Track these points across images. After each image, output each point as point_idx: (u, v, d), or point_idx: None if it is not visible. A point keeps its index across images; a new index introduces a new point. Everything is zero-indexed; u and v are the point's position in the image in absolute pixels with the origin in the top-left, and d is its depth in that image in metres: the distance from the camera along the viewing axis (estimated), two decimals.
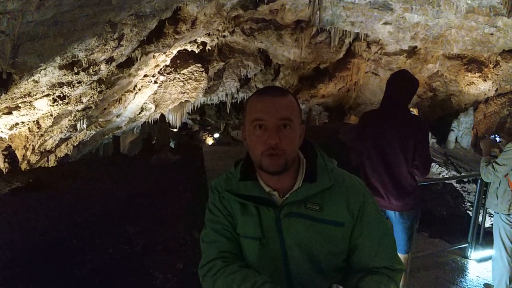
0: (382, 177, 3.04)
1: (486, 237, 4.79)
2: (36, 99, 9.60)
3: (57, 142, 13.68)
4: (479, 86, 17.85)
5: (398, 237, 3.00)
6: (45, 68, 8.29)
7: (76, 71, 9.18)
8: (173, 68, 15.25)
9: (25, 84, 8.42)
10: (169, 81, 15.53)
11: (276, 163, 1.23)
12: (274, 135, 1.22)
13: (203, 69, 16.01)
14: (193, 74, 15.86)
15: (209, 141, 24.22)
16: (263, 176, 1.33)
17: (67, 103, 10.66)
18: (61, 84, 9.48)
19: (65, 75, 9.06)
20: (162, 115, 13.54)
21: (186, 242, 5.05)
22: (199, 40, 15.05)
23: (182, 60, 15.45)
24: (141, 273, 4.21)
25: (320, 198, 1.30)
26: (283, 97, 1.27)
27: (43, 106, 10.06)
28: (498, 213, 3.80)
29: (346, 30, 16.28)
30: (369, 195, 1.38)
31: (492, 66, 17.00)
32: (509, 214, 3.68)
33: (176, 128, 20.59)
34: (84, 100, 11.32)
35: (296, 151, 1.30)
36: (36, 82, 8.70)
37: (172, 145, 17.19)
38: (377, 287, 1.26)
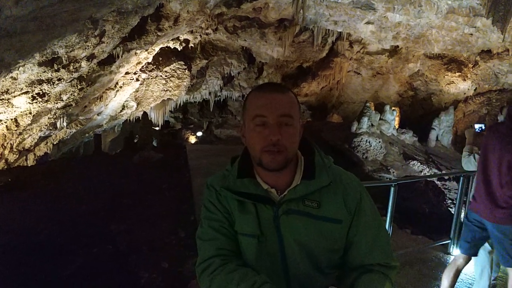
0: (485, 186, 3.16)
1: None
2: (15, 97, 9.38)
3: (36, 140, 13.40)
4: (459, 85, 18.17)
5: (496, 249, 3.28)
6: (24, 65, 8.10)
7: (56, 68, 9.00)
8: (155, 66, 15.09)
9: (3, 81, 8.22)
10: (151, 78, 15.38)
11: (276, 159, 1.23)
12: (275, 132, 1.21)
13: (185, 67, 15.90)
14: (175, 72, 15.73)
15: (192, 139, 24.07)
16: (261, 173, 1.32)
17: (46, 101, 10.45)
18: (40, 81, 9.28)
19: (44, 72, 8.88)
20: (145, 113, 13.40)
21: (171, 241, 5.00)
22: (182, 37, 14.92)
23: (164, 57, 15.30)
24: (126, 273, 4.15)
25: (318, 195, 1.29)
26: (284, 93, 1.26)
27: (21, 104, 9.84)
28: None
29: (329, 29, 16.38)
30: (365, 192, 1.37)
31: (471, 66, 17.32)
32: None
33: (158, 126, 20.41)
34: (64, 97, 11.11)
35: (296, 148, 1.30)
36: (15, 79, 8.50)
37: (154, 143, 17.05)
38: (372, 286, 1.26)
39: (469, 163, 3.93)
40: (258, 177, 1.33)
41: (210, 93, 19.40)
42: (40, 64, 8.49)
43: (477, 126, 4.29)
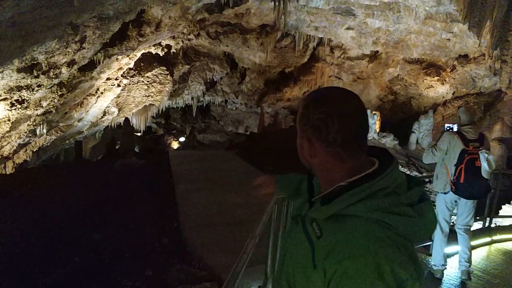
0: None
1: (449, 235, 5.00)
2: None
3: (15, 148, 13.16)
4: (438, 89, 18.51)
5: None
6: (2, 71, 7.98)
7: (35, 74, 8.88)
8: (137, 71, 15.00)
9: None
10: (133, 84, 15.28)
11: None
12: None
13: (168, 72, 15.84)
14: (157, 77, 15.66)
15: (175, 145, 23.96)
16: None
17: (26, 108, 10.29)
18: (19, 88, 9.14)
19: (24, 78, 8.75)
20: (127, 119, 13.30)
21: (154, 249, 4.96)
22: (164, 43, 14.88)
23: (146, 63, 15.23)
24: (109, 281, 4.11)
25: (325, 225, 1.09)
26: (301, 103, 1.21)
27: (0, 111, 9.68)
28: (438, 192, 4.45)
29: (310, 35, 16.56)
30: (353, 279, 0.94)
31: (449, 70, 17.67)
32: (445, 193, 4.33)
33: (140, 132, 20.26)
34: (44, 104, 10.95)
35: (305, 160, 1.21)
36: None
37: (136, 149, 16.91)
38: None
39: (428, 156, 4.44)
40: None
41: (192, 98, 19.37)
42: (19, 70, 8.37)
43: (447, 125, 4.62)
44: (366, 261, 0.93)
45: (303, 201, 1.33)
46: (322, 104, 1.11)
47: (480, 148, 4.10)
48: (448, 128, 4.51)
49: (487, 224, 6.22)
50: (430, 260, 4.71)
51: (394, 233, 0.99)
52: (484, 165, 4.04)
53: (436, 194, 4.62)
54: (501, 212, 9.86)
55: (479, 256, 5.05)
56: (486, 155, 4.05)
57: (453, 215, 4.61)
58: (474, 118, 4.38)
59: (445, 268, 4.45)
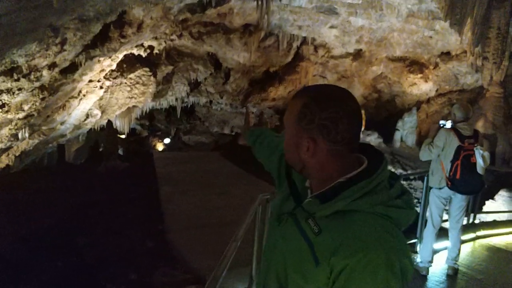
0: None
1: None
2: None
3: None
4: (421, 86, 18.67)
5: None
6: None
7: (16, 77, 8.74)
8: (119, 73, 14.84)
9: None
10: (116, 86, 15.11)
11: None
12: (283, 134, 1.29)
13: (151, 73, 15.70)
14: (140, 79, 15.52)
15: (160, 146, 23.80)
16: None
17: (6, 111, 10.12)
18: None
19: (3, 82, 8.60)
20: (109, 122, 13.16)
21: (139, 252, 4.93)
22: (146, 43, 14.76)
23: (128, 64, 15.08)
24: (93, 286, 4.06)
25: (324, 222, 1.08)
26: (293, 98, 1.19)
27: None
28: (433, 188, 4.51)
29: (294, 34, 16.56)
30: (365, 271, 0.97)
31: (432, 67, 17.83)
32: (440, 188, 4.37)
33: (124, 134, 20.07)
34: (26, 107, 10.78)
35: (292, 158, 1.20)
36: None
37: (120, 152, 16.76)
38: None
39: (425, 153, 4.43)
40: None
41: (176, 99, 19.23)
42: None
43: (441, 122, 4.67)
44: (377, 253, 0.97)
45: (282, 198, 1.31)
46: (329, 103, 1.10)
47: (475, 145, 4.18)
48: (442, 125, 4.58)
49: (471, 220, 6.30)
50: (415, 257, 4.74)
51: (393, 225, 1.06)
52: (480, 161, 4.11)
53: (421, 191, 4.70)
54: (484, 208, 10.00)
55: (463, 252, 5.13)
56: (481, 151, 4.13)
57: (445, 210, 4.66)
58: (469, 115, 4.39)
59: (431, 265, 4.48)
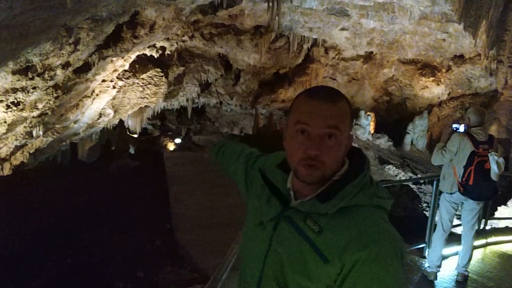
0: None
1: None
2: None
3: (12, 149, 13.15)
4: (433, 90, 18.54)
5: None
6: None
7: (30, 76, 8.89)
8: (132, 73, 15.01)
9: None
10: (128, 86, 15.27)
11: (312, 175, 1.11)
12: (316, 145, 1.09)
13: (162, 74, 15.84)
14: (152, 79, 15.66)
15: (170, 146, 23.89)
16: (293, 174, 1.22)
17: (21, 110, 10.29)
18: (15, 90, 9.15)
19: (19, 80, 8.76)
20: (121, 121, 13.29)
21: (146, 251, 4.99)
22: (158, 44, 14.89)
23: (141, 64, 15.23)
24: (101, 283, 4.13)
25: (324, 221, 1.10)
26: (334, 102, 1.11)
27: None
28: (444, 192, 4.38)
29: (304, 36, 16.56)
30: (377, 261, 1.01)
31: (445, 70, 17.70)
32: (451, 193, 4.25)
33: (136, 133, 20.24)
34: (40, 106, 10.95)
35: (336, 165, 1.15)
36: None
37: (132, 151, 16.89)
38: None
39: (437, 158, 4.33)
40: (291, 175, 1.24)
41: (187, 100, 19.35)
42: (14, 73, 8.38)
43: (454, 125, 4.55)
44: (386, 244, 1.01)
45: (260, 201, 1.29)
46: (348, 100, 1.16)
47: (490, 150, 4.05)
48: (456, 129, 4.47)
49: (482, 226, 6.20)
50: (423, 262, 4.69)
51: (386, 214, 1.12)
52: (494, 168, 3.99)
53: (430, 195, 4.60)
54: (496, 214, 9.86)
55: (474, 258, 5.02)
56: (496, 157, 4.00)
57: (456, 215, 4.58)
58: (484, 119, 4.23)
59: (439, 270, 4.39)
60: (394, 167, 14.37)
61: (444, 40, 15.07)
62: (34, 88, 9.54)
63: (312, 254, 1.07)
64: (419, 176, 13.69)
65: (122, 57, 12.64)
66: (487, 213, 6.26)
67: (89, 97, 13.85)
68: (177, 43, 15.65)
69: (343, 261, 1.02)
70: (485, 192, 4.12)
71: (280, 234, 1.17)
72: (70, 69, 10.31)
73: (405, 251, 1.07)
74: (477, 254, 5.26)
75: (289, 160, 1.17)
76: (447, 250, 4.72)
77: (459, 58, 16.70)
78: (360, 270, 1.00)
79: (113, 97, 15.32)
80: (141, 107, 17.06)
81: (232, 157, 1.74)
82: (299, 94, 1.19)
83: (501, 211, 10.15)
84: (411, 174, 14.27)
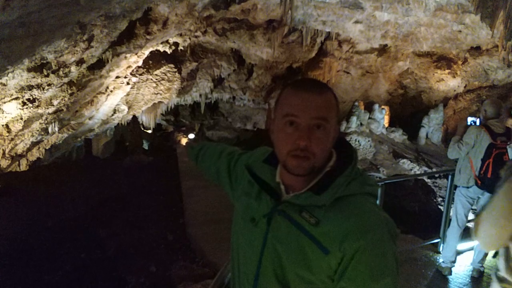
0: None
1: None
2: (5, 103, 9.37)
3: (28, 146, 13.37)
4: (449, 82, 18.26)
5: None
6: (13, 71, 8.10)
7: (45, 73, 9.00)
8: (145, 69, 15.09)
9: None
10: (142, 82, 15.37)
11: (302, 165, 1.12)
12: (305, 136, 1.10)
13: (176, 70, 15.90)
14: (165, 75, 15.73)
15: (184, 141, 24.06)
16: (282, 169, 1.23)
17: (37, 106, 10.44)
18: (30, 87, 9.27)
19: (34, 77, 8.87)
20: (134, 117, 13.39)
21: (159, 245, 5.04)
22: (171, 40, 14.93)
23: (154, 60, 15.31)
24: (114, 277, 4.19)
25: (320, 212, 1.12)
26: (322, 93, 1.13)
27: (12, 110, 9.83)
28: (459, 186, 4.35)
29: (317, 29, 16.41)
30: (372, 250, 1.05)
31: (461, 63, 17.40)
32: (468, 187, 4.21)
33: (150, 129, 20.40)
34: (55, 102, 11.10)
35: (326, 155, 1.17)
36: (4, 85, 8.50)
37: (145, 146, 17.05)
38: None
39: (453, 151, 4.29)
40: (278, 169, 1.26)
41: (200, 95, 19.39)
42: (29, 70, 8.49)
43: (469, 119, 4.51)
44: (383, 230, 1.08)
45: (249, 197, 1.29)
46: (333, 92, 1.21)
47: (508, 143, 4.04)
48: (472, 123, 4.42)
49: None
50: (438, 257, 4.66)
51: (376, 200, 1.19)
52: None
53: (445, 189, 4.55)
54: None
55: (490, 254, 5.00)
56: None
57: (472, 210, 4.53)
58: (501, 111, 4.19)
59: (454, 265, 4.38)
60: (409, 161, 14.23)
61: (460, 31, 14.80)
62: (49, 85, 9.66)
63: (311, 246, 1.10)
64: (434, 170, 13.54)
65: (136, 53, 12.71)
66: None
67: (103, 93, 13.97)
68: (190, 38, 15.66)
69: (343, 251, 1.06)
70: None
71: (275, 229, 1.18)
72: (84, 65, 10.41)
73: (396, 232, 1.12)
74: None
75: (278, 153, 1.18)
76: (462, 245, 4.70)
77: (476, 50, 16.38)
78: (362, 258, 1.04)
79: (127, 93, 15.44)
80: (154, 103, 17.16)
81: (212, 157, 1.74)
82: (284, 86, 1.21)
83: None
84: (426, 168, 14.12)
